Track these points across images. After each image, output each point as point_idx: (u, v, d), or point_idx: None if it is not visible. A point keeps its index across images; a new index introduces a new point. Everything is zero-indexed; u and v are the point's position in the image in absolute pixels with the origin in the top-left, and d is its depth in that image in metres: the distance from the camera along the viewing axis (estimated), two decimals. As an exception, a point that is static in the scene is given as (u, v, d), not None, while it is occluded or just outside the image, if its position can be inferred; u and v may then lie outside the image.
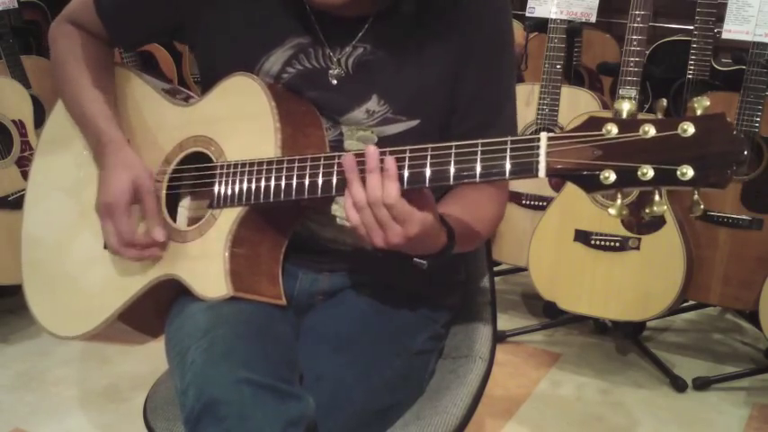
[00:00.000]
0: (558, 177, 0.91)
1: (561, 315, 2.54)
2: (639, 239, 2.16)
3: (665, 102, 0.88)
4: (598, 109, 2.40)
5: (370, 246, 1.03)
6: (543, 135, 0.92)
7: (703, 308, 2.67)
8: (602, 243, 2.22)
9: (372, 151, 0.99)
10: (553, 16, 2.44)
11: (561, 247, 2.27)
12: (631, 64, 2.12)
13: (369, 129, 1.18)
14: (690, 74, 2.54)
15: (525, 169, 0.93)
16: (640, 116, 0.87)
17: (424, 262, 1.08)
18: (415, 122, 1.18)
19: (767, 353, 2.47)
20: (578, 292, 2.26)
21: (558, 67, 2.43)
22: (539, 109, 2.46)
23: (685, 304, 2.52)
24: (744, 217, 2.23)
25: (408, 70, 1.16)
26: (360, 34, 1.16)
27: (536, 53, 2.71)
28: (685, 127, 0.84)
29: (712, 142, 0.83)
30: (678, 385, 2.29)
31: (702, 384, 2.30)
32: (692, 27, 2.52)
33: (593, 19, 2.45)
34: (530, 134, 0.93)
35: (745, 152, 0.82)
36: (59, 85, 1.33)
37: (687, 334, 2.64)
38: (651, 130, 0.85)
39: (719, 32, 2.28)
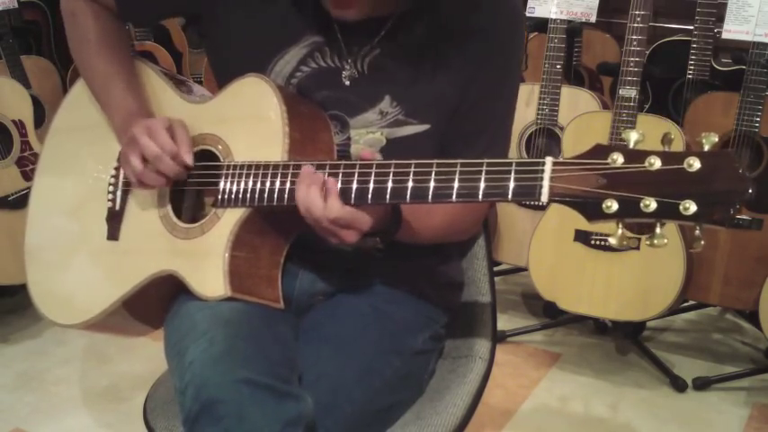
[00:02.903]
0: (561, 203, 0.91)
1: (561, 315, 2.54)
2: (639, 239, 2.16)
3: (672, 134, 0.88)
4: (598, 109, 2.40)
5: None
6: (548, 160, 0.92)
7: (703, 308, 2.67)
8: (602, 243, 2.22)
9: (308, 170, 1.04)
10: (553, 16, 2.44)
11: (561, 247, 2.27)
12: (631, 64, 2.12)
13: (379, 130, 1.19)
14: (690, 74, 2.54)
15: (528, 192, 0.93)
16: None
17: (377, 238, 1.11)
18: (425, 127, 1.19)
19: (767, 353, 2.47)
20: (578, 292, 2.26)
21: (558, 67, 2.43)
22: (539, 109, 2.46)
23: (685, 304, 2.52)
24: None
25: (423, 74, 1.17)
26: (377, 37, 1.17)
27: (536, 53, 2.71)
28: (691, 162, 0.84)
29: (718, 179, 0.83)
30: (678, 385, 2.29)
31: (702, 384, 2.30)
32: (692, 27, 2.52)
33: (593, 19, 2.45)
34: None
35: (750, 190, 0.82)
36: (80, 64, 1.33)
37: (687, 334, 2.64)
38: (657, 163, 0.85)
39: (719, 32, 2.28)
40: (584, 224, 2.21)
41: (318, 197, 1.03)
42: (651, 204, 0.84)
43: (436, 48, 1.16)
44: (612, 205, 0.86)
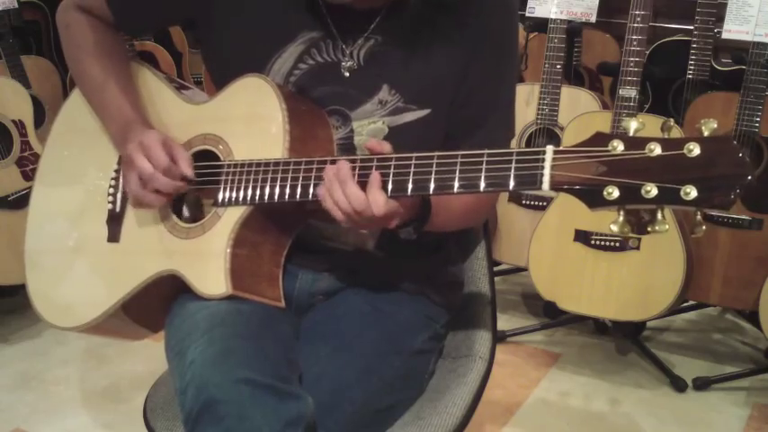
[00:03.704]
0: (562, 191, 0.91)
1: (561, 315, 2.54)
2: (639, 239, 2.16)
3: (671, 121, 0.88)
4: (598, 109, 2.40)
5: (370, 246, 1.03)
6: (549, 148, 0.92)
7: (703, 308, 2.67)
8: (602, 243, 2.22)
9: (344, 167, 1.02)
10: (553, 16, 2.44)
11: (561, 247, 2.27)
12: (631, 64, 2.12)
13: (380, 119, 1.19)
14: (690, 74, 2.54)
15: (529, 182, 0.93)
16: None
17: (411, 229, 1.11)
18: (425, 112, 1.19)
19: (767, 353, 2.47)
20: (578, 292, 2.26)
21: (558, 67, 2.43)
22: (539, 109, 2.46)
23: (685, 304, 2.52)
24: (744, 217, 2.24)
25: (418, 60, 1.18)
26: (371, 27, 1.17)
27: (536, 53, 2.71)
28: (691, 147, 0.84)
29: (718, 164, 0.83)
30: (678, 385, 2.29)
31: (702, 384, 2.30)
32: (692, 27, 2.52)
33: (593, 19, 2.45)
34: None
35: (750, 176, 0.81)
36: (76, 75, 1.33)
37: (687, 334, 2.64)
38: (657, 149, 0.85)
39: (719, 32, 2.28)
40: (584, 224, 2.24)
41: (359, 191, 1.02)
42: (652, 190, 0.85)
43: (429, 33, 1.17)
44: (614, 192, 0.87)
